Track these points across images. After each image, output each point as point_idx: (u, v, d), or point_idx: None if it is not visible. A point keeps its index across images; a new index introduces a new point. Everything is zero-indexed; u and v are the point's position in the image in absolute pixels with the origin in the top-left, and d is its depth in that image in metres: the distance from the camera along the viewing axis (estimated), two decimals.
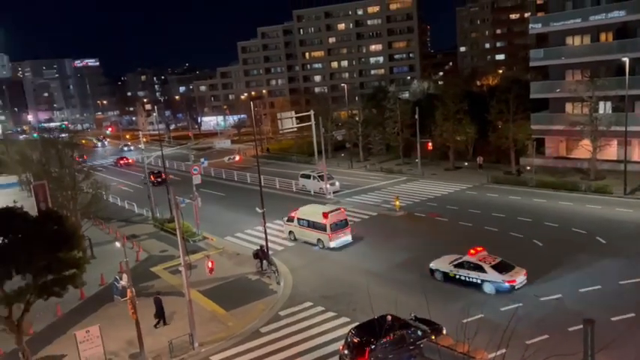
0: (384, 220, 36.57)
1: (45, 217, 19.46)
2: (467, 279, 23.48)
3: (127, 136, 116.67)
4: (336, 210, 31.54)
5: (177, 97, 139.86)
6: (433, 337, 17.05)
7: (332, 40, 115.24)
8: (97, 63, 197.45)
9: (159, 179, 63.27)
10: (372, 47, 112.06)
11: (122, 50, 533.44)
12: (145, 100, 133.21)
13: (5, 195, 50.65)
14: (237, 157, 55.11)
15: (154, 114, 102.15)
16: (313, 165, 55.01)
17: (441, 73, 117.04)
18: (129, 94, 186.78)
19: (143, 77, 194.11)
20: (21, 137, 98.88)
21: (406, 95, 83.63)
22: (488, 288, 22.79)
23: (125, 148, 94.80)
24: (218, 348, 20.81)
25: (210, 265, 23.59)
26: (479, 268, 23.16)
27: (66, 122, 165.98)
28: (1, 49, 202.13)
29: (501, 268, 22.99)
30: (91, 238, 33.69)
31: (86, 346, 18.85)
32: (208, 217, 40.42)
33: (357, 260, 29.22)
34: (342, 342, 18.62)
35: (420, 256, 28.26)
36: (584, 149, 43.55)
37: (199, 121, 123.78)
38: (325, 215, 30.63)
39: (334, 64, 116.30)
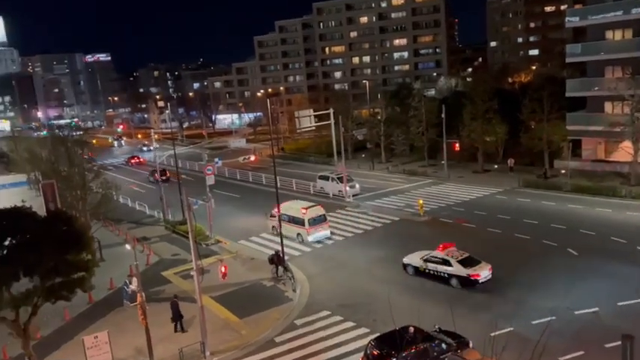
0: (406, 226, 36.40)
1: (54, 217, 19.83)
2: (435, 273, 25.98)
3: (139, 135, 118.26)
4: (314, 206, 35.12)
5: (190, 94, 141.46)
6: (459, 351, 16.90)
7: (353, 34, 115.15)
8: (109, 58, 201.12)
9: (163, 177, 64.27)
10: (396, 42, 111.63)
11: (135, 45, 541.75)
12: (158, 97, 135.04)
13: (14, 194, 51.78)
14: (253, 157, 55.47)
15: (167, 111, 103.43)
16: (332, 166, 55.03)
17: (470, 70, 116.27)
18: (141, 90, 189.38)
19: (156, 73, 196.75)
20: (35, 134, 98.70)
21: (432, 92, 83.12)
22: (454, 282, 25.11)
23: (144, 148, 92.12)
24: (230, 357, 20.93)
25: (223, 269, 23.74)
26: (446, 263, 25.65)
27: (76, 119, 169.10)
28: (10, 43, 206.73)
29: (467, 262, 25.35)
30: (101, 240, 34.23)
31: (94, 352, 19.11)
32: (222, 220, 40.71)
33: (378, 267, 29.12)
34: (361, 354, 18.57)
35: None
36: (624, 152, 42.74)
37: (213, 119, 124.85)
38: (304, 211, 33.95)
39: (355, 60, 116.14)
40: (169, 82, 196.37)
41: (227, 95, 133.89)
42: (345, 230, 36.16)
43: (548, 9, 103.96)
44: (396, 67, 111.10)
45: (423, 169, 54.41)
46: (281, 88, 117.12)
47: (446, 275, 25.49)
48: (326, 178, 47.94)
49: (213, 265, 29.73)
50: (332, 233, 35.22)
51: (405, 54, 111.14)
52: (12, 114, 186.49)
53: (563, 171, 44.31)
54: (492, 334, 15.03)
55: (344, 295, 25.84)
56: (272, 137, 42.20)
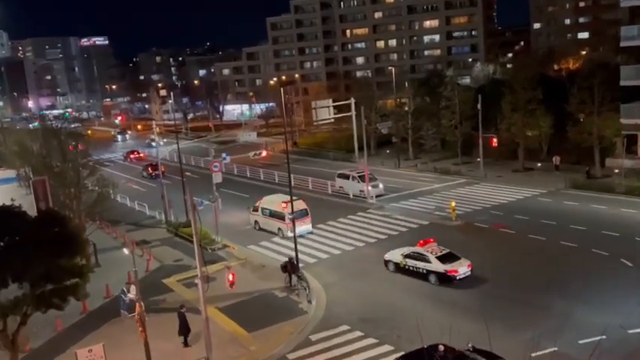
0: (437, 231, 36.15)
1: (45, 217, 20.16)
2: (414, 269, 28.05)
3: (139, 126, 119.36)
4: (295, 199, 35.49)
5: (196, 82, 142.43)
6: None
7: (378, 14, 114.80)
8: (106, 42, 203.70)
9: (157, 172, 65.42)
10: (427, 23, 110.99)
11: (134, 27, 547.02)
12: (160, 85, 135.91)
13: (1, 192, 52.77)
14: (264, 153, 55.71)
15: (170, 101, 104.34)
16: (353, 163, 54.95)
17: (510, 55, 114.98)
18: (141, 77, 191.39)
19: (158, 58, 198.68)
20: (31, 126, 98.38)
21: (467, 81, 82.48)
22: (432, 279, 27.20)
23: (153, 144, 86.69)
24: None
25: (230, 277, 23.85)
26: (424, 259, 27.61)
27: (69, 110, 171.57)
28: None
29: (446, 259, 27.26)
30: (96, 243, 34.67)
31: None
32: (230, 222, 40.93)
33: (404, 277, 29.00)
34: None
35: (479, 275, 27.84)
36: None
37: (221, 109, 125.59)
38: (284, 205, 35.64)
39: (380, 44, 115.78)
40: (173, 68, 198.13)
41: (236, 83, 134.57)
42: (366, 235, 36.12)
43: None
44: (426, 52, 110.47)
45: (456, 168, 54.07)
46: (296, 75, 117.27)
47: (424, 271, 27.58)
48: (346, 177, 47.91)
49: (219, 272, 29.88)
50: (352, 238, 35.28)
51: (437, 37, 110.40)
52: (0, 103, 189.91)
53: (616, 170, 43.67)
54: (533, 355, 14.88)
55: (365, 307, 25.79)
56: (286, 130, 42.27)
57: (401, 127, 60.87)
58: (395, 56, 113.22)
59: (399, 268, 28.94)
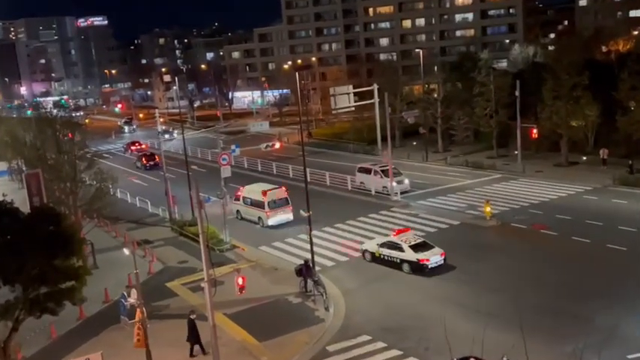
0: (469, 232, 36.11)
1: (39, 214, 20.43)
2: (389, 258, 30.62)
3: (141, 115, 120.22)
4: (277, 189, 40.57)
5: (203, 67, 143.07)
6: None
7: None
8: (105, 22, 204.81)
9: (151, 162, 66.63)
10: (459, 0, 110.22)
11: (136, 6, 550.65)
12: (164, 70, 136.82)
13: None
14: (277, 144, 55.73)
15: (175, 87, 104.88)
16: (375, 156, 54.86)
17: (552, 36, 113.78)
18: (143, 61, 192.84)
19: (161, 40, 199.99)
20: (29, 113, 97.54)
21: (503, 64, 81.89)
22: (406, 268, 29.76)
23: (167, 136, 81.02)
24: None
25: (240, 281, 24.00)
26: (398, 248, 30.16)
27: (65, 97, 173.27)
28: None
29: (419, 247, 29.85)
30: (94, 243, 35.10)
31: None
32: (239, 221, 41.07)
33: (432, 284, 28.98)
34: None
35: (516, 282, 27.71)
36: None
37: (230, 97, 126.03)
38: (264, 193, 39.45)
39: (406, 23, 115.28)
40: (177, 51, 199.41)
41: (247, 68, 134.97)
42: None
43: None
44: (458, 33, 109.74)
45: (490, 161, 53.88)
46: (313, 58, 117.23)
47: (398, 260, 30.19)
48: (367, 171, 47.87)
49: (228, 275, 30.07)
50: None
51: (470, 16, 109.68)
52: None
53: None
54: None
55: (389, 316, 25.80)
56: (301, 120, 42.29)
57: (429, 116, 60.57)
58: (423, 37, 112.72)
59: (375, 258, 31.48)
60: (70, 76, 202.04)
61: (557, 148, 51.95)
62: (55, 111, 44.01)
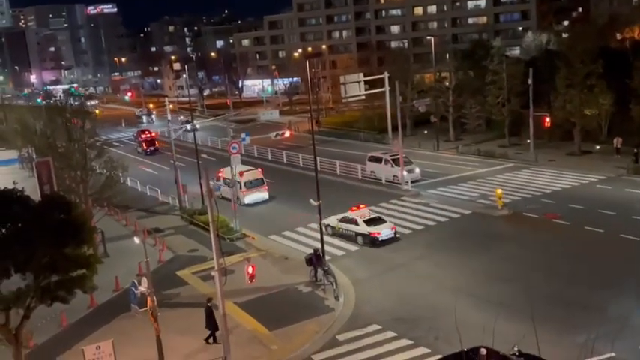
0: (480, 221, 36.04)
1: (49, 202, 20.55)
2: (346, 232, 34.09)
3: (150, 104, 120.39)
4: (253, 170, 44.41)
5: (213, 54, 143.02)
6: None
7: None
8: (115, 9, 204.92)
9: (151, 148, 66.89)
10: None
11: None
12: (173, 58, 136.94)
13: (3, 174, 53.99)
14: (287, 133, 55.84)
15: (184, 75, 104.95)
16: (386, 145, 54.74)
17: (566, 23, 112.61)
18: (153, 49, 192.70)
19: (171, 28, 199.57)
20: (39, 102, 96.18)
21: (516, 52, 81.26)
22: (360, 240, 33.21)
23: (188, 126, 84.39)
24: None
25: (250, 270, 24.09)
26: (354, 222, 33.65)
27: (75, 85, 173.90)
28: None
29: (372, 222, 33.32)
30: (105, 232, 35.31)
31: None
32: (249, 210, 41.16)
33: (443, 273, 28.98)
34: None
35: (528, 272, 27.66)
36: None
37: (240, 85, 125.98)
38: (241, 174, 42.68)
39: (418, 11, 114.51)
40: (187, 39, 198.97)
41: (257, 56, 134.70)
42: (401, 226, 35.98)
43: None
44: (471, 20, 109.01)
45: (502, 150, 53.65)
46: (323, 46, 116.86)
47: (354, 234, 33.63)
48: (378, 160, 47.80)
49: (238, 264, 30.21)
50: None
51: (482, 3, 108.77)
52: (1, 77, 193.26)
53: None
54: None
55: (398, 305, 25.84)
56: (311, 108, 42.28)
57: (441, 104, 60.33)
58: (435, 25, 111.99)
59: (335, 232, 34.89)
60: (79, 64, 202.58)
61: (570, 137, 51.63)
62: (71, 100, 44.15)
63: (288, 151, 60.41)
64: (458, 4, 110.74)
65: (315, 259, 28.68)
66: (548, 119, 51.08)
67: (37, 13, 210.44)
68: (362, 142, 64.88)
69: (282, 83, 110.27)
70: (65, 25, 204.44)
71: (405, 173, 44.38)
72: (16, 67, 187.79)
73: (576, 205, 37.03)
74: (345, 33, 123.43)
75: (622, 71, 46.90)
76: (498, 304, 24.76)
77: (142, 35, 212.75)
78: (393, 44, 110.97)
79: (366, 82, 51.03)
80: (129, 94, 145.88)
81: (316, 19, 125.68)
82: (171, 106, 52.48)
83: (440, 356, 19.62)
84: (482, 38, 78.78)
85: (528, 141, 51.39)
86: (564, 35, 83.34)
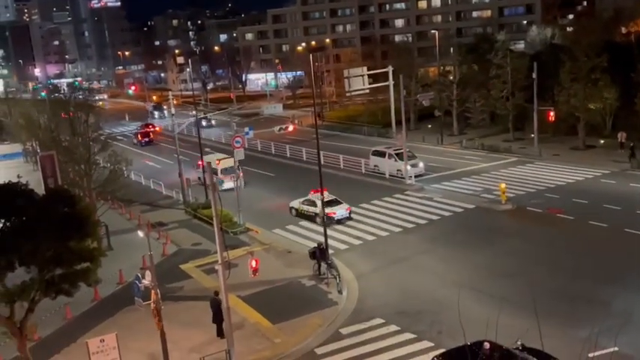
0: (484, 215, 36.03)
1: (53, 196, 20.56)
2: (307, 213, 37.19)
3: (154, 98, 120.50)
4: (229, 158, 44.92)
5: (216, 48, 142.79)
6: None
7: None
8: (119, 3, 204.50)
9: (146, 139, 67.25)
10: None
11: None
12: (177, 52, 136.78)
13: (7, 167, 54.17)
14: (291, 127, 55.73)
15: (188, 69, 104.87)
16: (389, 139, 54.65)
17: (571, 17, 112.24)
18: (157, 43, 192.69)
19: (175, 22, 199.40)
20: (43, 95, 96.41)
21: (521, 46, 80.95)
22: (318, 220, 35.07)
23: (204, 123, 78.49)
24: None
25: (254, 264, 24.14)
26: (314, 204, 36.20)
27: (79, 79, 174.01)
28: None
29: (328, 204, 34.91)
30: (108, 225, 35.38)
31: (100, 357, 19.87)
32: (253, 203, 41.24)
33: (446, 267, 28.99)
34: None
35: (531, 267, 27.64)
36: None
37: (244, 79, 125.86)
38: (218, 162, 45.81)
39: (422, 4, 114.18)
40: (191, 33, 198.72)
41: (260, 50, 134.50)
42: (404, 220, 36.06)
43: None
44: (475, 14, 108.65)
45: (506, 145, 53.60)
46: (327, 40, 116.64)
47: (313, 214, 36.49)
48: (382, 155, 47.75)
49: (241, 258, 30.29)
50: (388, 223, 35.46)
51: None
52: (5, 71, 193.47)
53: None
54: (591, 355, 14.75)
55: (402, 299, 25.87)
56: (315, 102, 42.19)
57: (445, 98, 60.22)
58: (439, 18, 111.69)
59: (298, 213, 38.03)
60: (83, 58, 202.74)
61: (575, 131, 51.50)
62: (79, 94, 44.61)
63: (291, 145, 60.41)
64: None
65: (319, 253, 28.70)
66: (552, 113, 50.87)
67: (41, 6, 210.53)
68: (365, 136, 64.93)
69: (285, 77, 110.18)
70: (69, 18, 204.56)
71: (408, 167, 44.35)
72: (20, 60, 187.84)
73: (580, 200, 36.97)
74: (348, 27, 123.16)
75: (627, 65, 46.81)
76: (502, 299, 24.72)
77: (145, 29, 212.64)
78: (397, 38, 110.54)
79: (369, 76, 50.78)
80: (132, 87, 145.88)
81: (320, 13, 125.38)
82: (174, 100, 52.37)
83: (443, 350, 19.65)
84: (487, 32, 78.49)
85: (532, 135, 51.28)
86: (569, 29, 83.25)
